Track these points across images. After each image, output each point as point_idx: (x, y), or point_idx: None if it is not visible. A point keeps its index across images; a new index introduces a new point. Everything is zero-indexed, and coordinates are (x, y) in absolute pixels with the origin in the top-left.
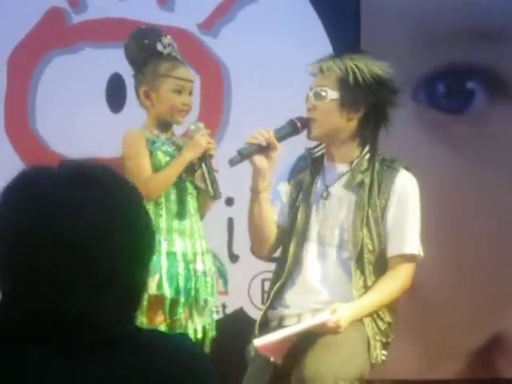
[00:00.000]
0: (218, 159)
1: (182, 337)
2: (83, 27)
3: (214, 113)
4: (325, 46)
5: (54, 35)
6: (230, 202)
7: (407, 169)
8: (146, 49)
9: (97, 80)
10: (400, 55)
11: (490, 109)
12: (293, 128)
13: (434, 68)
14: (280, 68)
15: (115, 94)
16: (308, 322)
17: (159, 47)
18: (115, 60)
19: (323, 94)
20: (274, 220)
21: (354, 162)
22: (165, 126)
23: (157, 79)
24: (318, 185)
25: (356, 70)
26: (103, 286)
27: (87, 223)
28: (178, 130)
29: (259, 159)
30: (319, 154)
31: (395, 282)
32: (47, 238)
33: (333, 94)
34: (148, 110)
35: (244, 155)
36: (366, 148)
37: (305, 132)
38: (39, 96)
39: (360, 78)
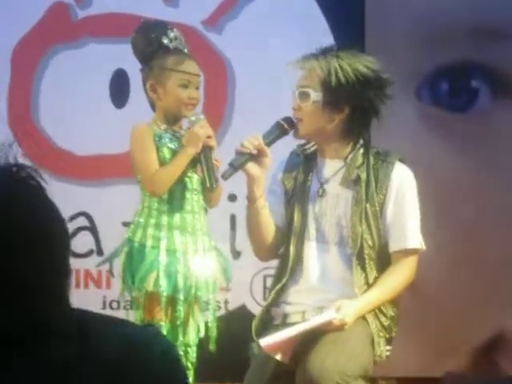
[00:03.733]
0: (222, 155)
1: (145, 327)
2: (88, 22)
3: (218, 109)
4: (329, 43)
5: (58, 30)
6: (232, 198)
7: (402, 161)
8: (152, 43)
9: (101, 75)
10: (404, 53)
11: (493, 108)
12: (280, 130)
13: (437, 66)
14: (283, 64)
15: (119, 90)
16: (314, 321)
17: (165, 41)
18: (119, 55)
19: (306, 95)
20: (273, 224)
21: (349, 158)
22: (173, 119)
23: (163, 73)
24: (313, 182)
25: (339, 70)
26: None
27: None
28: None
29: (252, 167)
30: (311, 150)
31: (399, 276)
32: None
33: (315, 96)
34: (156, 104)
35: (236, 166)
36: (359, 143)
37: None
38: (43, 91)
39: (343, 79)
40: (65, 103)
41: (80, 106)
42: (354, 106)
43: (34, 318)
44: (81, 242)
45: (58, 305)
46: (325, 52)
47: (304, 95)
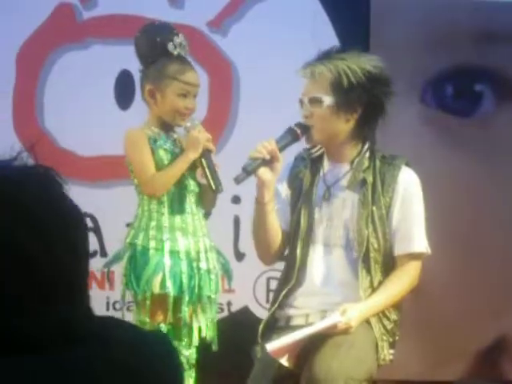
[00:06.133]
0: (226, 157)
1: (155, 333)
2: (93, 23)
3: (223, 111)
4: (335, 47)
5: (63, 31)
6: (236, 200)
7: (408, 165)
8: (156, 47)
9: (106, 76)
10: (408, 57)
11: (497, 111)
12: (293, 136)
13: (442, 70)
14: (288, 67)
15: (124, 91)
16: (319, 325)
17: (170, 47)
18: (124, 57)
19: (319, 100)
20: (279, 227)
21: (355, 161)
22: (166, 126)
23: (164, 80)
24: (319, 185)
25: (348, 71)
26: (51, 286)
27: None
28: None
29: (264, 172)
30: (318, 154)
31: (403, 280)
32: None
33: (328, 100)
34: (151, 108)
35: (249, 171)
36: (366, 146)
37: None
38: (47, 92)
39: (353, 79)
40: (69, 104)
41: (85, 107)
42: (365, 105)
43: (56, 320)
44: None
45: (80, 307)
46: (327, 55)
47: (316, 101)
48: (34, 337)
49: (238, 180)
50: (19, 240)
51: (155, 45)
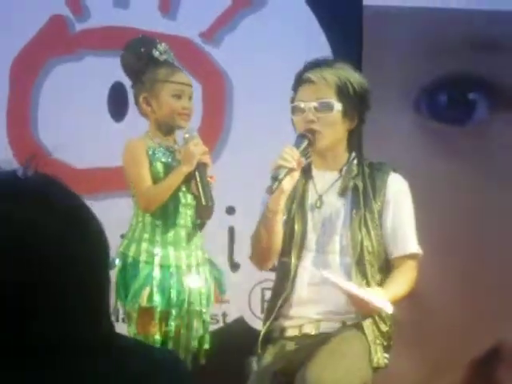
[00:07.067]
0: (220, 168)
1: (166, 350)
2: (86, 35)
3: (216, 122)
4: (327, 56)
5: (56, 43)
6: (230, 211)
7: (395, 171)
8: (142, 57)
9: (99, 88)
10: (401, 66)
11: (491, 120)
12: (309, 142)
13: (435, 79)
14: (282, 78)
15: (117, 103)
16: (371, 298)
17: (156, 54)
18: (117, 68)
19: (329, 106)
20: (281, 238)
21: (344, 169)
22: (167, 131)
23: (156, 85)
24: (310, 194)
25: (352, 79)
26: (68, 298)
27: (44, 242)
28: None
29: (287, 181)
30: (306, 163)
31: (407, 276)
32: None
33: (338, 106)
34: (149, 118)
35: (280, 180)
36: (353, 154)
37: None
38: (41, 104)
39: (356, 88)
40: (63, 116)
41: (78, 120)
42: (360, 116)
43: (68, 330)
44: None
45: (96, 320)
46: (322, 64)
47: (325, 106)
48: (50, 343)
49: (271, 190)
50: (46, 241)
51: (141, 55)
